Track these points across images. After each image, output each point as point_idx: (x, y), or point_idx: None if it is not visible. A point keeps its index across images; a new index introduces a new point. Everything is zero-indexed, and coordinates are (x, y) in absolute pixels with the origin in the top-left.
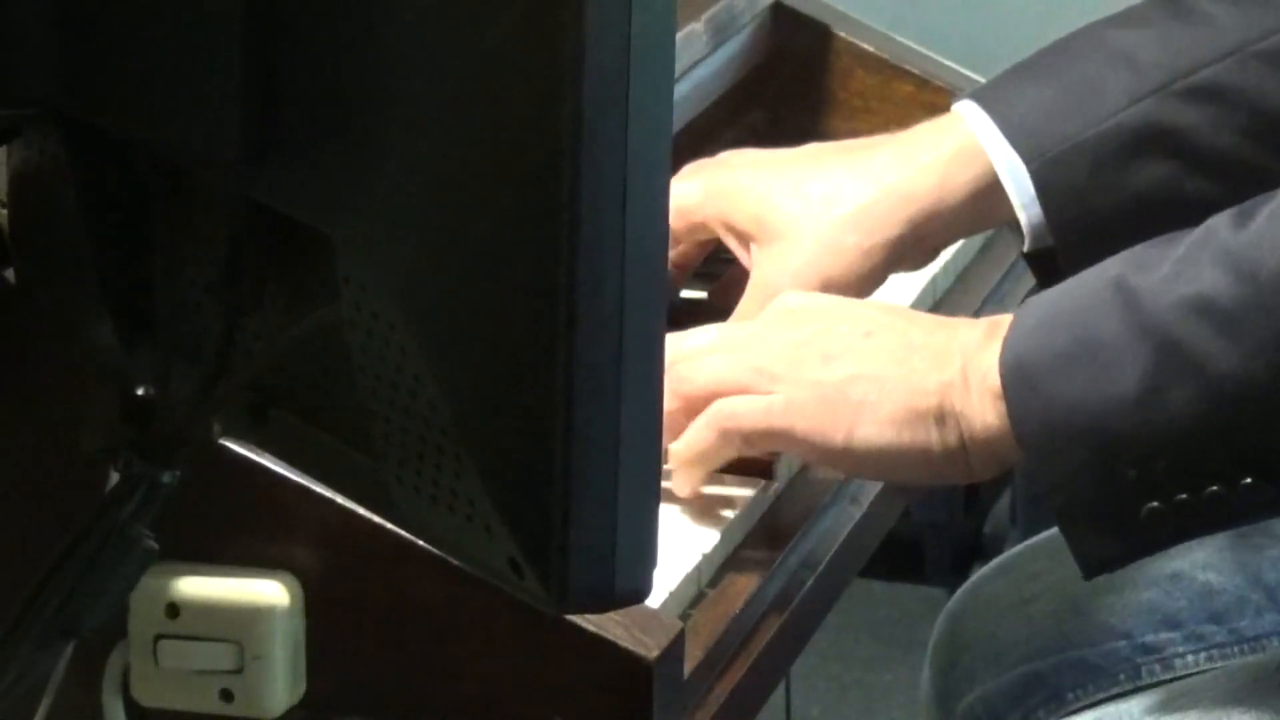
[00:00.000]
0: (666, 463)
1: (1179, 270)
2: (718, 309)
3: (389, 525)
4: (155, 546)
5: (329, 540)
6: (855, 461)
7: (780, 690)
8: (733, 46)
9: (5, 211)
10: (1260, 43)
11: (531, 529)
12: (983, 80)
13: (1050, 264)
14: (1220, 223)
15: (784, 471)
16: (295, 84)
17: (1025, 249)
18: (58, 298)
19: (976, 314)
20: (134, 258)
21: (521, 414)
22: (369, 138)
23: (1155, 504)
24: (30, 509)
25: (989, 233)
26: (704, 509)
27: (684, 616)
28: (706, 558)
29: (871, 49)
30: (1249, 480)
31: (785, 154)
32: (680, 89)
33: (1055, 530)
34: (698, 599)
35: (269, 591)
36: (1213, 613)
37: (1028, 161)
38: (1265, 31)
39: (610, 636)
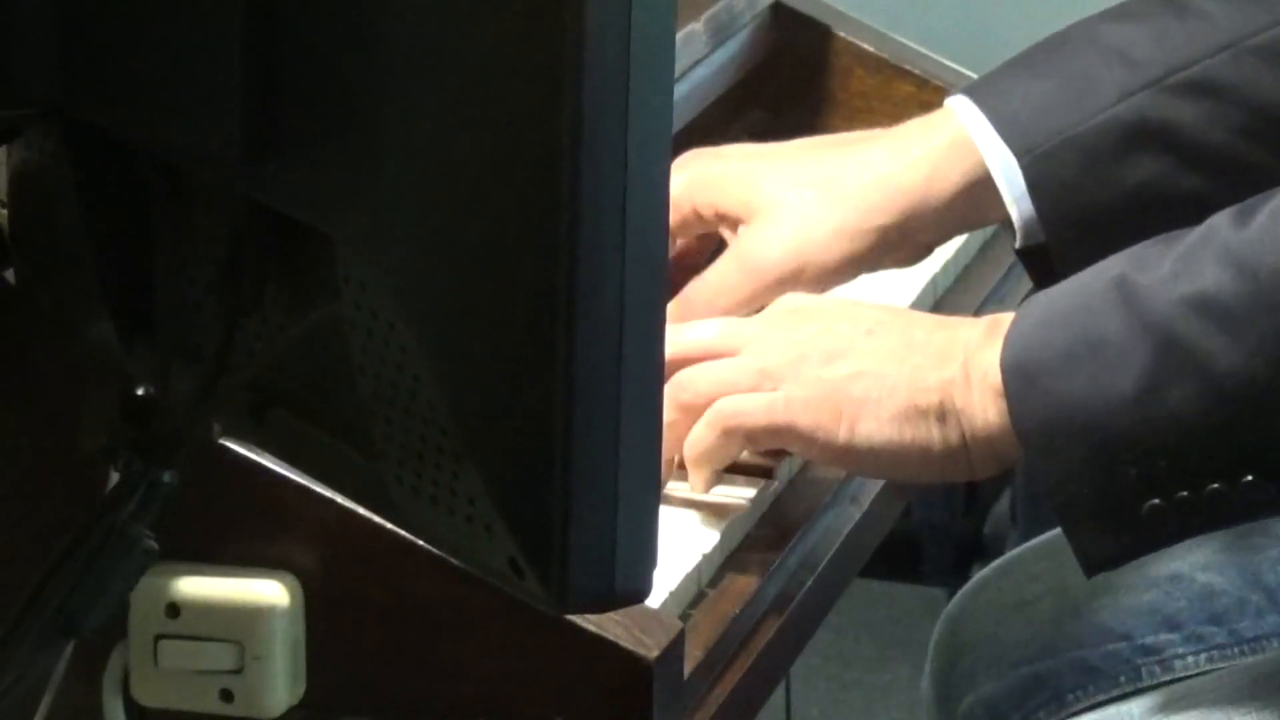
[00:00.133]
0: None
1: (1180, 268)
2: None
3: (389, 525)
4: (155, 546)
5: (329, 540)
6: (856, 458)
7: (780, 690)
8: (733, 46)
9: (5, 211)
10: (1254, 38)
11: (531, 529)
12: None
13: (1044, 261)
14: (1221, 221)
15: (784, 472)
16: (295, 84)
17: (1017, 245)
18: (58, 298)
19: (976, 314)
20: (134, 258)
21: (521, 414)
22: (369, 138)
23: (1156, 501)
24: (30, 509)
25: (990, 233)
26: (704, 509)
27: (684, 616)
28: (706, 558)
29: (871, 49)
30: (1250, 478)
31: (779, 145)
32: (680, 89)
33: (1056, 531)
34: (698, 599)
35: (269, 591)
36: (1213, 614)
37: (1019, 156)
38: (1259, 26)
39: (610, 636)
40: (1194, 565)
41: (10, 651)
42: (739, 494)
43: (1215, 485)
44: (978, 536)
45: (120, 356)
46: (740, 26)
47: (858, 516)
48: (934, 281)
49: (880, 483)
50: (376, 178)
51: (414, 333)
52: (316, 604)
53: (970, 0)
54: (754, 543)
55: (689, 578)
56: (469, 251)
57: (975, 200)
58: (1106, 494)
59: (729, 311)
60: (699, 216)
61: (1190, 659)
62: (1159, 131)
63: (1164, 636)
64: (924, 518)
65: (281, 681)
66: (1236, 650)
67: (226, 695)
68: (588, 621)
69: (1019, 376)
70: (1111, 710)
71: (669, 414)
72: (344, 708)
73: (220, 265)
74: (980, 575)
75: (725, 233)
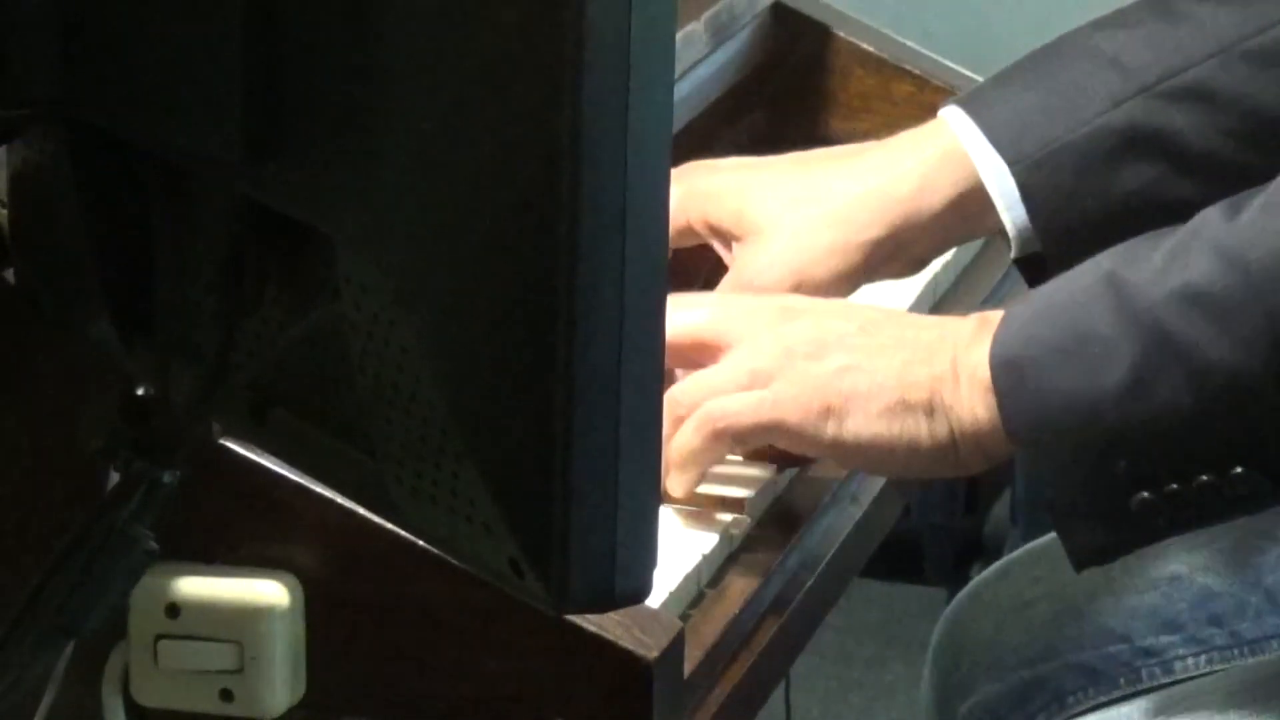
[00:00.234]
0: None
1: (1169, 262)
2: None
3: (389, 525)
4: (155, 546)
5: (329, 540)
6: (845, 453)
7: (780, 690)
8: (733, 46)
9: (5, 211)
10: (1245, 42)
11: (531, 529)
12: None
13: (1041, 271)
14: (1211, 214)
15: (784, 472)
16: (295, 84)
17: (1013, 255)
18: (58, 298)
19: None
20: (134, 258)
21: (521, 414)
22: (369, 138)
23: (1146, 495)
24: (30, 509)
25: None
26: (704, 510)
27: (684, 616)
28: (706, 558)
29: (871, 49)
30: (1239, 470)
31: (773, 159)
32: (680, 89)
33: (1055, 534)
34: (698, 599)
35: (269, 591)
36: (1213, 615)
37: (1011, 164)
38: (1250, 31)
39: (610, 636)
40: (1194, 567)
41: (10, 651)
42: (739, 494)
43: (1205, 478)
44: (978, 536)
45: (120, 356)
46: (740, 26)
47: (858, 516)
48: (934, 282)
49: (880, 483)
50: (376, 178)
51: (414, 333)
52: (316, 604)
53: (970, 0)
54: (754, 543)
55: (689, 578)
56: (469, 251)
57: (968, 211)
58: (1096, 488)
59: None
60: (693, 229)
61: (1190, 661)
62: (1151, 138)
63: (1164, 638)
64: (924, 518)
65: (281, 681)
66: (1236, 652)
67: (226, 695)
68: (588, 621)
69: (1008, 372)
70: (1112, 713)
71: (665, 428)
72: (344, 708)
73: (220, 265)
74: (979, 578)
75: (718, 247)
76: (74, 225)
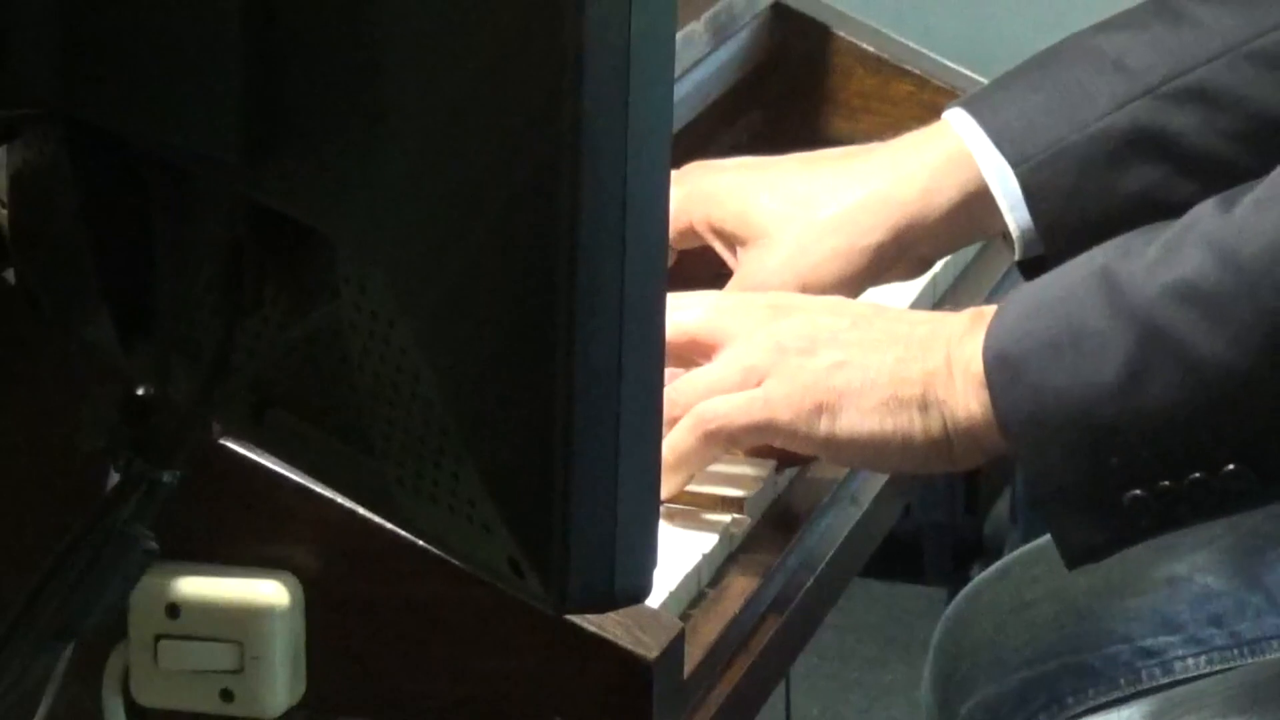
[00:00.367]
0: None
1: (1162, 257)
2: None
3: (389, 525)
4: (155, 546)
5: (329, 540)
6: (838, 449)
7: (780, 690)
8: (733, 46)
9: (5, 211)
10: (1249, 44)
11: (531, 529)
12: (983, 79)
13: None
14: (1204, 210)
15: (785, 472)
16: (295, 84)
17: (1017, 257)
18: (58, 298)
19: None
20: (134, 258)
21: (521, 414)
22: (369, 138)
23: (1138, 491)
24: (30, 509)
25: None
26: (704, 509)
27: (684, 616)
28: (706, 558)
29: (871, 49)
30: (1232, 466)
31: (777, 159)
32: (680, 89)
33: None
34: (698, 599)
35: (269, 591)
36: (1213, 616)
37: (1015, 166)
38: (1254, 33)
39: (610, 636)
40: (1194, 567)
41: (10, 651)
42: (739, 494)
43: (1197, 474)
44: (978, 536)
45: (120, 356)
46: (740, 26)
47: (858, 516)
48: (934, 282)
49: (880, 482)
50: (376, 178)
51: (414, 333)
52: (316, 604)
53: (970, 0)
54: (754, 543)
55: (689, 578)
56: (469, 251)
57: (972, 213)
58: (1088, 484)
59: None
60: (695, 231)
61: (1190, 661)
62: (1155, 139)
63: (1164, 639)
64: (924, 518)
65: (281, 681)
66: (1236, 652)
67: (226, 695)
68: (588, 621)
69: (1001, 367)
70: (1112, 715)
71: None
72: (344, 708)
73: (220, 265)
74: (979, 578)
75: (720, 248)
76: (74, 225)
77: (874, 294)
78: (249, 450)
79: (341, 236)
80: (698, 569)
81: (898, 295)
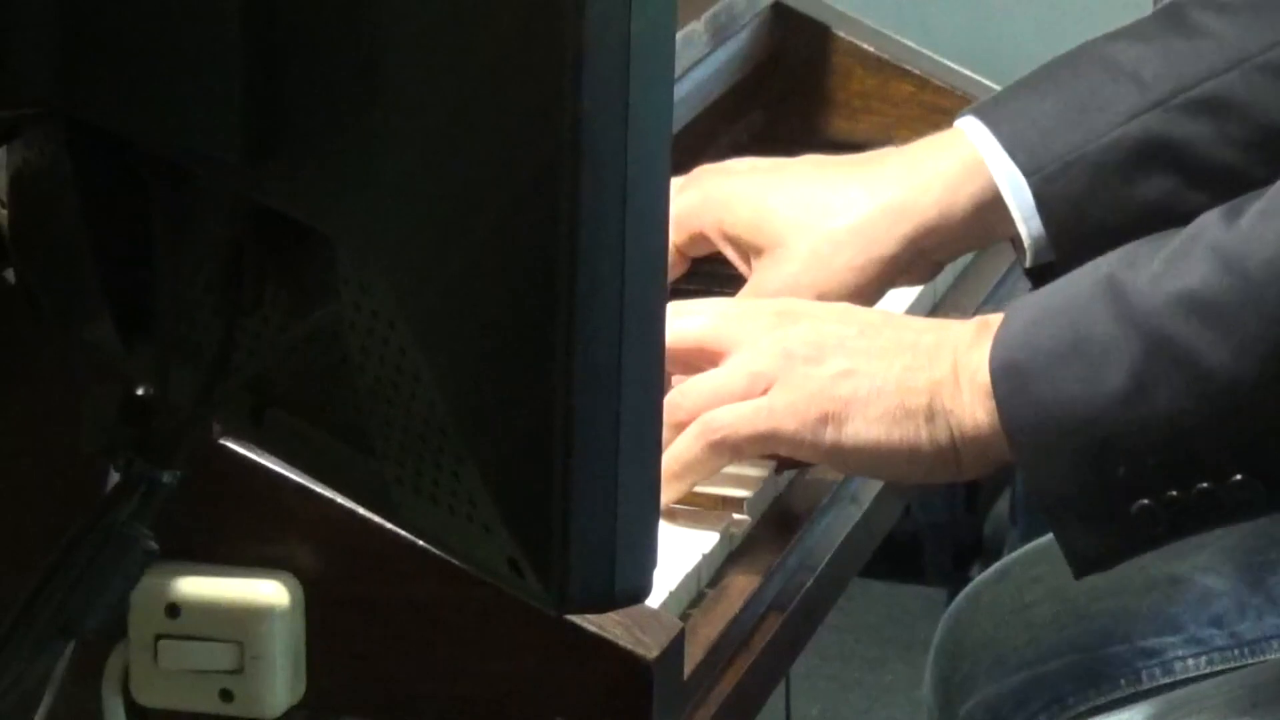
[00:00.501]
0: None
1: (1169, 267)
2: None
3: (389, 525)
4: (155, 546)
5: (329, 540)
6: (844, 458)
7: (780, 690)
8: (733, 46)
9: (5, 211)
10: (1261, 55)
11: (531, 529)
12: (983, 80)
13: (1052, 280)
14: (1210, 219)
15: (785, 472)
16: (295, 84)
17: (1027, 264)
18: (58, 298)
19: (975, 314)
20: (134, 258)
21: (521, 413)
22: (369, 138)
23: (1145, 501)
24: (30, 509)
25: None
26: (704, 509)
27: (684, 616)
28: (706, 558)
29: (871, 49)
30: (1239, 477)
31: (789, 162)
32: (680, 89)
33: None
34: (698, 599)
35: (269, 591)
36: (1213, 616)
37: (1028, 175)
38: (1267, 44)
39: (610, 636)
40: (1194, 567)
41: (10, 651)
42: (739, 494)
43: (1204, 484)
44: (978, 536)
45: (120, 356)
46: (740, 26)
47: (858, 516)
48: (934, 282)
49: (880, 482)
50: (376, 178)
51: (414, 333)
52: (316, 604)
53: (970, 0)
54: (754, 543)
55: (689, 578)
56: (469, 252)
57: (986, 220)
58: (1095, 494)
59: None
60: (706, 237)
61: (1190, 661)
62: (1167, 150)
63: (1164, 639)
64: (924, 518)
65: (281, 681)
66: (1237, 653)
67: (226, 695)
68: (588, 621)
69: (1008, 376)
70: (1113, 716)
71: (664, 433)
72: (344, 708)
73: (220, 265)
74: (979, 579)
75: (732, 255)
76: (74, 225)
77: None
78: (249, 450)
79: (341, 236)
80: (698, 569)
81: (898, 295)
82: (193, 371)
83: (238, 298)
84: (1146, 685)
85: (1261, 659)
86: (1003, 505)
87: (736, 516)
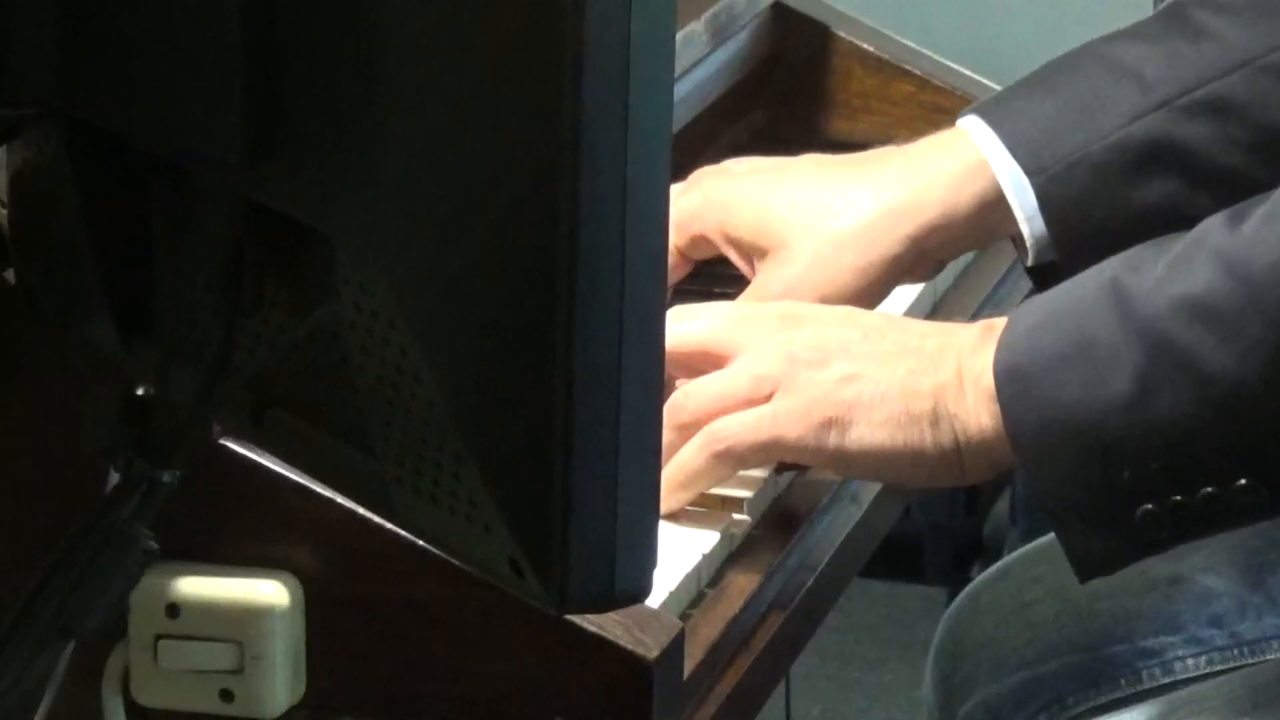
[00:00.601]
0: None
1: (1172, 271)
2: None
3: (389, 525)
4: (155, 546)
5: (329, 540)
6: (848, 463)
7: (780, 690)
8: (733, 46)
9: (5, 211)
10: (1265, 57)
11: (531, 529)
12: (983, 80)
13: (1054, 279)
14: (1214, 224)
15: (784, 472)
16: (295, 84)
17: (1028, 264)
18: (58, 298)
19: (975, 315)
20: (134, 258)
21: (521, 413)
22: (369, 138)
23: (1150, 506)
24: (30, 509)
25: None
26: (704, 509)
27: (684, 616)
28: (706, 558)
29: (871, 49)
30: (1243, 481)
31: (790, 162)
32: (680, 89)
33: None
34: (698, 599)
35: (269, 591)
36: (1213, 616)
37: (1031, 176)
38: (1270, 46)
39: (610, 636)
40: (1194, 567)
41: (10, 651)
42: (739, 494)
43: (1209, 489)
44: (978, 536)
45: (120, 356)
46: (740, 26)
47: (858, 516)
48: (934, 281)
49: (880, 483)
50: (376, 178)
51: (414, 332)
52: (316, 604)
53: (970, 0)
54: (754, 543)
55: (689, 578)
56: (469, 252)
57: (988, 220)
58: (1099, 498)
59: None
60: (709, 239)
61: (1190, 661)
62: (1171, 152)
63: (1164, 639)
64: (924, 518)
65: (281, 681)
66: (1237, 653)
67: (226, 695)
68: (588, 621)
69: (1012, 380)
70: (1113, 716)
71: (666, 434)
72: (344, 708)
73: (220, 265)
74: (980, 578)
75: (734, 257)
76: (74, 225)
77: None
78: (249, 450)
79: (341, 236)
80: (698, 569)
81: (898, 295)
82: (193, 371)
83: (238, 298)
84: (1147, 685)
85: (1261, 659)
86: (1003, 505)
87: (736, 516)
